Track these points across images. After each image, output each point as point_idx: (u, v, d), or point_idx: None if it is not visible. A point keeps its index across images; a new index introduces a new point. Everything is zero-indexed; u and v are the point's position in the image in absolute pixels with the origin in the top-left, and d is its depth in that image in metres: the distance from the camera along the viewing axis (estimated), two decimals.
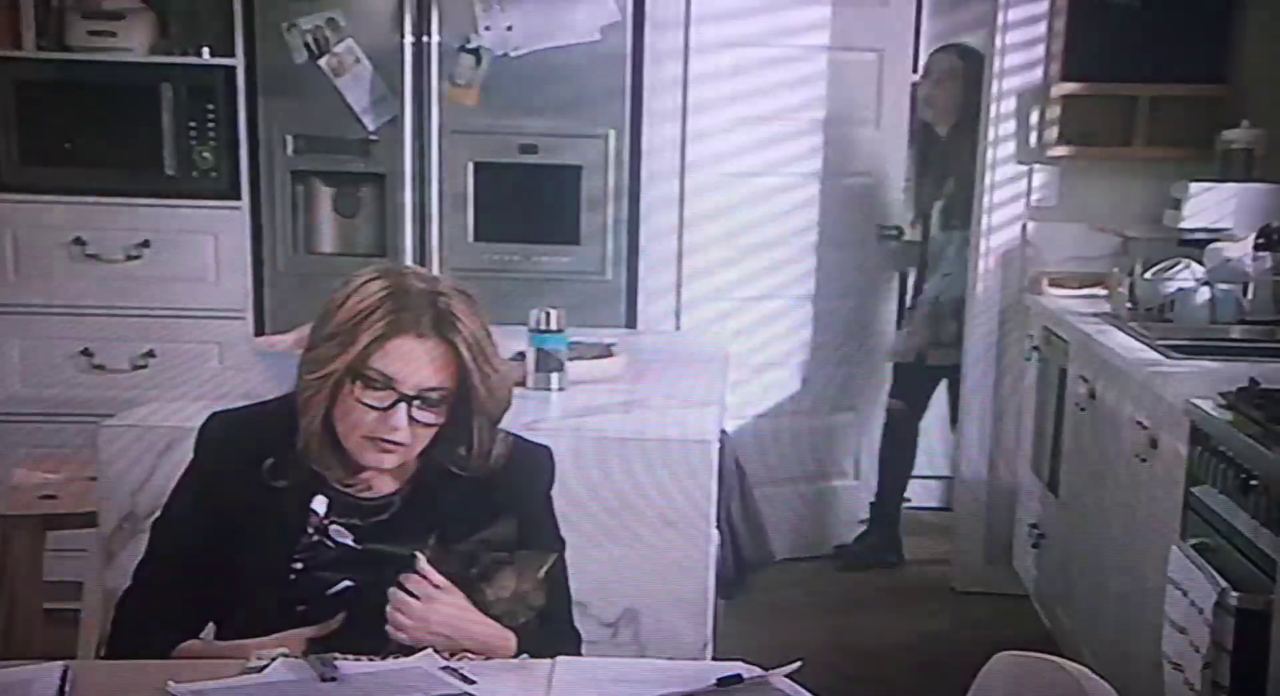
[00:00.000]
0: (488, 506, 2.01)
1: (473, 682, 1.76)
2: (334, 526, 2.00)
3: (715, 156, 4.58)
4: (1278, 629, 2.36)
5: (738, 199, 4.62)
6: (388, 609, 1.88)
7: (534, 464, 2.12)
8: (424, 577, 1.89)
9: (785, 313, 4.72)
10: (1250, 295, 3.75)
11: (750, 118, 4.58)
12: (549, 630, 1.99)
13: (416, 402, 1.93)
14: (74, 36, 4.17)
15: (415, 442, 1.96)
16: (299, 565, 1.98)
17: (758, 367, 4.65)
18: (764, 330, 4.69)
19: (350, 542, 2.00)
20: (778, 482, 4.61)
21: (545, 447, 2.15)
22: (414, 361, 1.92)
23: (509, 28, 4.09)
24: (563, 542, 2.12)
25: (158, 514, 2.10)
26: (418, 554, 1.90)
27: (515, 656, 1.91)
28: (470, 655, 1.87)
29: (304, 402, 1.95)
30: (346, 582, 1.98)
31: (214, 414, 2.11)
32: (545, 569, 1.93)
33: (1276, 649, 2.36)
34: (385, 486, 2.03)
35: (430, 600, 1.88)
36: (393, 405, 1.92)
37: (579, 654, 2.04)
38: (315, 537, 2.00)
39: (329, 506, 2.01)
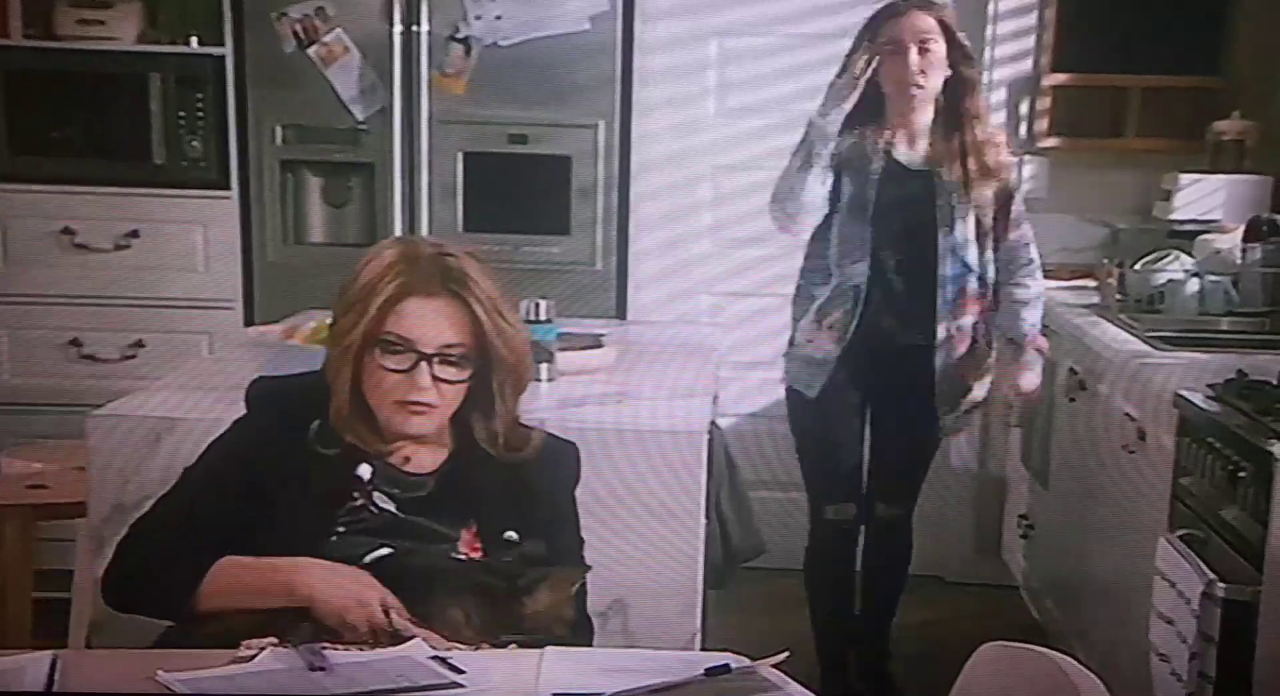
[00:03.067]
0: (521, 493, 2.05)
1: (461, 672, 1.76)
2: (378, 493, 2.02)
3: (705, 148, 4.58)
4: (1264, 620, 2.37)
5: (728, 191, 4.61)
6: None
7: (565, 458, 2.15)
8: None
9: (777, 309, 4.68)
10: (1239, 287, 3.76)
11: (741, 108, 4.57)
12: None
13: (437, 361, 1.96)
14: (62, 25, 4.15)
15: (444, 403, 1.99)
16: (340, 528, 1.99)
17: (748, 365, 4.63)
18: (754, 327, 4.66)
19: (394, 510, 2.02)
20: (768, 487, 4.31)
21: (572, 444, 2.18)
22: (428, 319, 1.96)
23: (498, 17, 4.08)
24: (582, 541, 2.15)
25: (191, 462, 2.10)
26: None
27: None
28: (460, 645, 1.86)
29: (332, 378, 1.99)
30: (384, 550, 1.98)
31: (260, 377, 2.17)
32: (576, 585, 1.96)
33: (1263, 640, 2.37)
34: (423, 464, 2.05)
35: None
36: (414, 366, 1.95)
37: (589, 641, 2.07)
38: (359, 502, 2.01)
39: (373, 473, 2.02)
